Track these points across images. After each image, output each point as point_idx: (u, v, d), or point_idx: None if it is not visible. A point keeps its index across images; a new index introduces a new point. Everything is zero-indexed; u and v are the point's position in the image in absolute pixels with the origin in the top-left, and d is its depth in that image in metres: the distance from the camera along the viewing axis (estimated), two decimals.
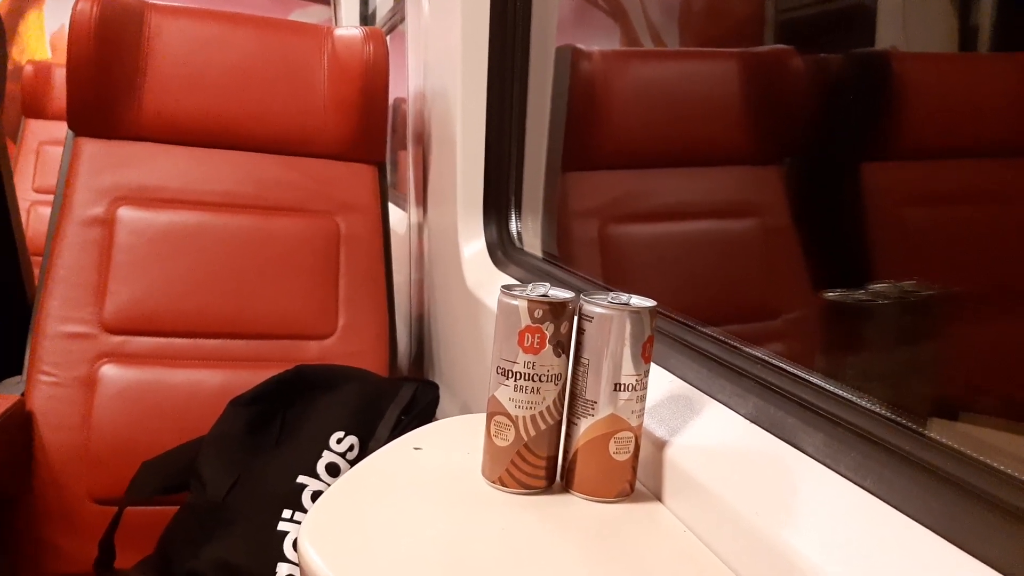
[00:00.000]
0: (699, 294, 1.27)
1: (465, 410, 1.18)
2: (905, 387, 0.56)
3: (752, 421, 0.57)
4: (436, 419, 1.12)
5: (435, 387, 1.09)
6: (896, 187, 1.12)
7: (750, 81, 1.36)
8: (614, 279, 1.24)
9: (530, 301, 0.58)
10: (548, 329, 0.58)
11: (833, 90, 1.31)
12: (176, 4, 1.28)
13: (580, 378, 0.59)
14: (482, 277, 1.14)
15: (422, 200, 1.46)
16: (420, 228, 1.47)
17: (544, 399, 0.59)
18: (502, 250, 1.18)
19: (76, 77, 1.17)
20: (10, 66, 2.71)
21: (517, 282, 1.06)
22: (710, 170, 1.33)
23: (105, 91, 1.19)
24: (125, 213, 1.18)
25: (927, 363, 0.61)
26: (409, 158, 1.49)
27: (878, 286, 0.65)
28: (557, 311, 0.58)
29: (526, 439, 0.59)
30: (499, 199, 1.21)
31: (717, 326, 1.23)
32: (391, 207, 1.87)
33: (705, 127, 1.33)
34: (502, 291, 0.59)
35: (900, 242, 1.02)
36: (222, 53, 1.25)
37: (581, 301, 0.60)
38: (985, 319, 0.71)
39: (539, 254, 1.19)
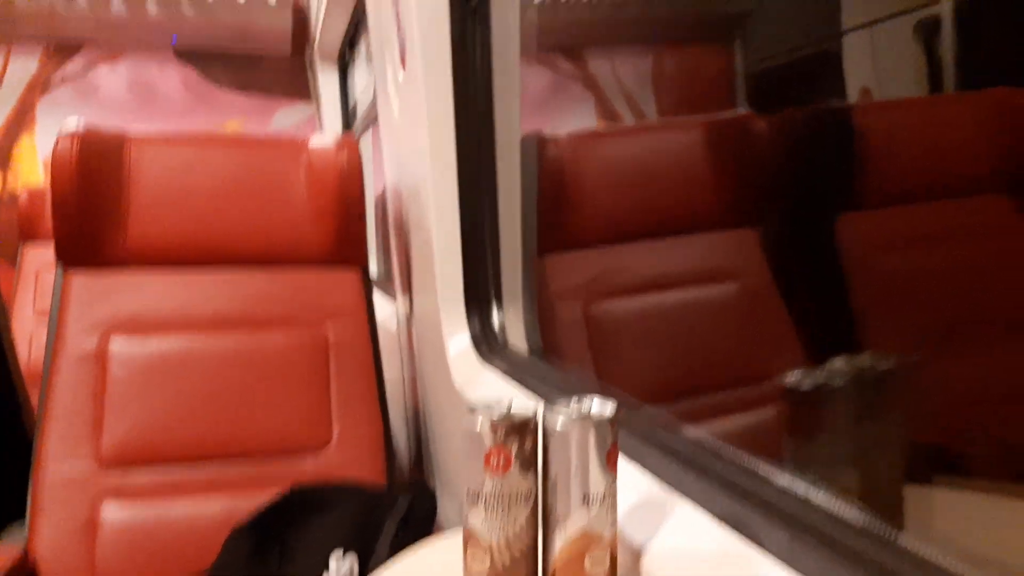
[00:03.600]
0: (684, 362, 1.28)
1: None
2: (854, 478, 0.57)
3: (721, 520, 0.57)
4: (437, 524, 1.12)
5: (432, 495, 1.10)
6: (867, 235, 1.14)
7: (712, 148, 1.39)
8: (595, 354, 1.25)
9: (492, 422, 0.59)
10: (513, 449, 0.59)
11: (794, 148, 1.34)
12: (155, 131, 1.33)
13: (550, 494, 0.60)
14: (468, 374, 1.15)
15: (408, 291, 1.49)
16: (409, 320, 1.49)
17: (516, 519, 0.59)
18: (487, 344, 1.19)
19: (61, 212, 1.21)
20: (6, 195, 2.80)
21: (502, 378, 1.07)
22: (685, 239, 1.35)
23: (90, 223, 1.23)
24: (117, 343, 1.21)
25: (889, 440, 0.61)
26: (393, 252, 1.52)
27: (835, 364, 0.66)
28: (520, 429, 0.59)
29: (501, 567, 0.59)
30: (479, 291, 1.23)
31: (701, 395, 1.23)
32: (384, 302, 1.90)
33: (676, 198, 1.36)
34: (465, 413, 0.61)
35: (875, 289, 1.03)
36: (202, 175, 1.29)
37: (543, 415, 0.61)
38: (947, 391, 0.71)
39: (523, 343, 1.21)
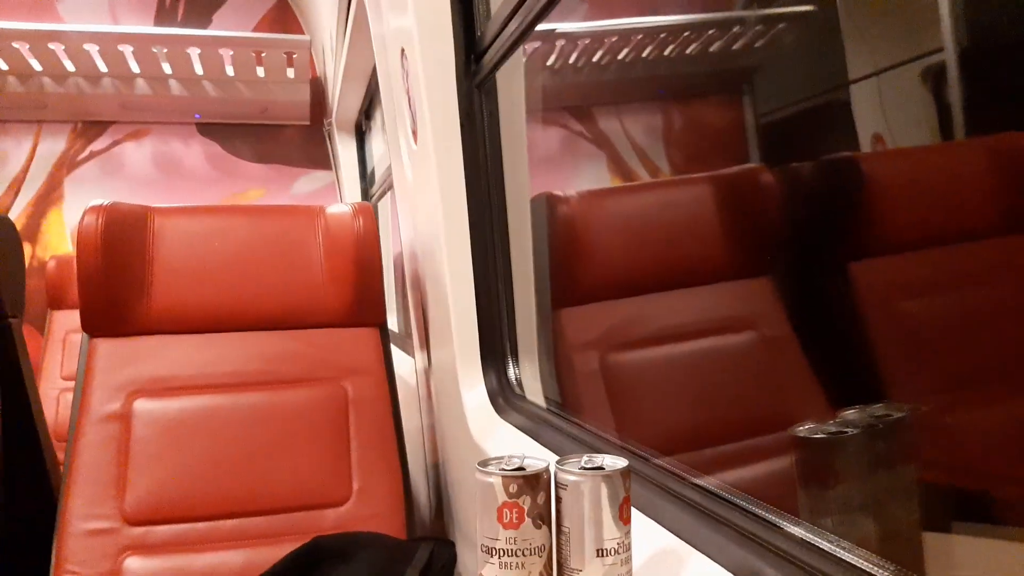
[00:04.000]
0: (702, 412, 1.28)
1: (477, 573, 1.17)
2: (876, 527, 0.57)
3: (734, 573, 0.57)
4: (456, 574, 1.12)
5: (451, 546, 1.09)
6: (879, 282, 1.15)
7: (723, 201, 1.42)
8: (612, 405, 1.26)
9: (504, 477, 0.60)
10: (525, 503, 0.60)
11: (804, 198, 1.36)
12: (176, 204, 1.38)
13: (563, 546, 0.60)
14: (485, 426, 1.16)
15: (426, 346, 1.51)
16: (427, 373, 1.51)
17: (530, 573, 0.60)
18: (503, 397, 1.20)
19: (87, 284, 1.25)
20: (35, 263, 2.88)
21: (517, 431, 1.08)
22: (698, 290, 1.37)
23: (115, 294, 1.27)
24: (140, 405, 1.24)
25: (903, 489, 0.61)
26: (411, 309, 1.55)
27: (848, 414, 0.67)
28: (532, 483, 0.60)
29: None
30: (495, 345, 1.25)
31: (719, 444, 1.23)
32: (403, 356, 1.92)
33: (687, 250, 1.38)
34: (477, 468, 0.62)
35: (891, 335, 1.03)
36: (222, 244, 1.34)
37: (555, 469, 0.62)
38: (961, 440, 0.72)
39: (540, 397, 1.22)
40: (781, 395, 1.25)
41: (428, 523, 1.49)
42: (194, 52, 2.74)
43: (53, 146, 3.00)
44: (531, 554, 0.60)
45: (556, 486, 0.61)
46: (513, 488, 0.59)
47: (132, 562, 1.15)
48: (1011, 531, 0.66)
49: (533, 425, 1.07)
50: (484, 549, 0.61)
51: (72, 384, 2.52)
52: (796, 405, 1.23)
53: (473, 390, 1.23)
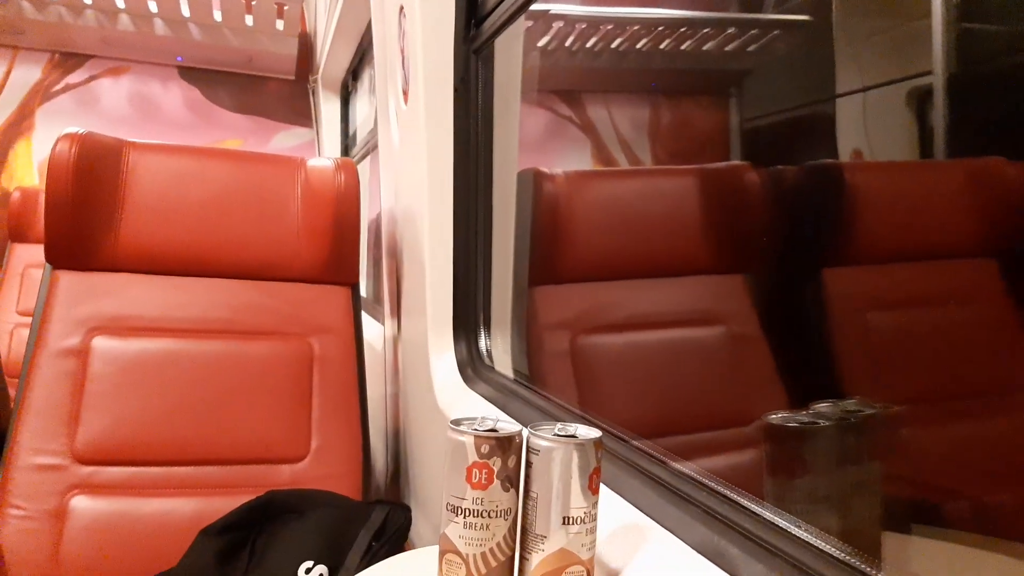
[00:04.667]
0: (666, 401, 1.29)
1: (439, 532, 1.17)
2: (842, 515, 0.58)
3: (697, 551, 0.57)
4: (410, 542, 1.11)
5: (407, 510, 1.09)
6: (852, 292, 1.16)
7: (706, 195, 1.42)
8: (579, 386, 1.26)
9: (476, 437, 0.59)
10: (495, 464, 0.59)
11: (786, 201, 1.37)
12: (154, 142, 1.34)
13: (530, 512, 0.60)
14: (453, 395, 1.15)
15: (397, 313, 1.50)
16: (395, 341, 1.49)
17: (494, 535, 0.60)
18: (472, 367, 1.20)
19: (55, 213, 1.21)
20: None
21: (485, 401, 1.08)
22: (674, 280, 1.37)
23: (83, 226, 1.23)
24: (100, 343, 1.20)
25: (868, 485, 0.62)
26: (384, 274, 1.53)
27: (821, 406, 0.67)
28: (504, 446, 0.60)
29: None
30: (468, 316, 1.24)
31: (681, 434, 1.24)
32: (372, 322, 1.90)
33: (667, 240, 1.38)
34: (449, 426, 0.61)
35: (858, 345, 1.05)
36: (198, 186, 1.30)
37: (527, 434, 0.61)
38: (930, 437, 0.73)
39: (509, 369, 1.21)
40: (743, 391, 1.27)
41: (383, 489, 1.48)
42: None
43: (27, 75, 2.90)
44: (497, 516, 0.60)
45: (528, 451, 0.61)
46: (485, 448, 0.59)
47: (79, 501, 1.12)
48: (964, 536, 0.68)
49: (501, 396, 1.06)
50: (449, 508, 0.60)
51: (27, 320, 2.47)
52: (757, 402, 1.24)
53: (442, 358, 1.22)
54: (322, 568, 0.96)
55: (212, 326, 1.26)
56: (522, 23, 1.22)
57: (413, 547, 1.12)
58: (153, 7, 2.75)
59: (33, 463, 1.13)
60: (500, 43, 1.21)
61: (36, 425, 1.14)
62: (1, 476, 1.12)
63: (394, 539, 1.04)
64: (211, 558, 0.99)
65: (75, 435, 1.15)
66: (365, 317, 1.40)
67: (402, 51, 1.32)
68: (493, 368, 1.20)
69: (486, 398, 1.08)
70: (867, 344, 1.07)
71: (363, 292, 2.63)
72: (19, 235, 2.59)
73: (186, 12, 2.79)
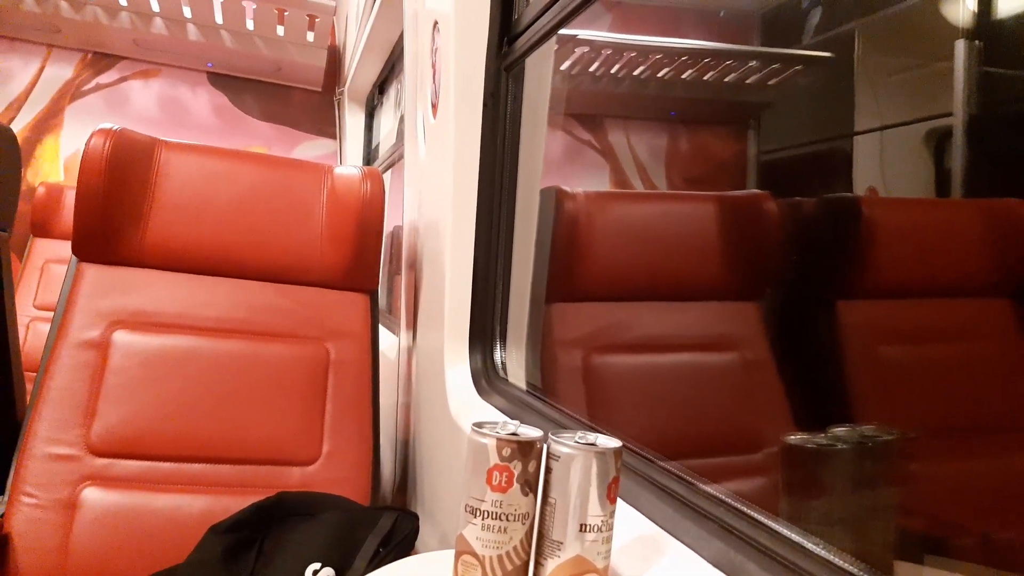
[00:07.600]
0: (675, 424, 1.29)
1: (445, 541, 1.17)
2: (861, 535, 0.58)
3: (714, 565, 0.58)
4: (416, 550, 1.11)
5: (415, 518, 1.09)
6: (866, 325, 1.16)
7: (725, 222, 1.43)
8: (591, 404, 1.26)
9: (498, 440, 0.60)
10: (516, 468, 0.60)
11: (804, 232, 1.37)
12: (186, 142, 1.36)
13: (547, 518, 0.60)
14: (465, 405, 1.16)
15: (413, 325, 1.51)
16: (410, 352, 1.50)
17: (511, 539, 0.60)
18: (486, 379, 1.20)
19: (84, 206, 1.23)
20: (24, 187, 2.83)
21: (498, 412, 1.08)
22: (688, 305, 1.38)
23: (111, 220, 1.25)
24: (120, 337, 1.22)
25: (884, 510, 0.62)
26: (402, 284, 1.55)
27: (838, 430, 0.68)
28: (525, 450, 0.60)
29: None
30: (484, 329, 1.25)
31: (689, 458, 1.24)
32: (386, 331, 1.91)
33: (684, 265, 1.39)
34: (472, 428, 0.62)
35: (869, 380, 1.05)
36: (226, 187, 1.32)
37: (549, 440, 0.62)
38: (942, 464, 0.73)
39: (523, 383, 1.22)
40: (752, 418, 1.27)
41: (390, 497, 1.48)
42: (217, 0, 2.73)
43: (60, 72, 2.95)
44: (515, 520, 0.60)
45: (548, 456, 0.61)
46: (506, 452, 0.60)
47: (91, 492, 1.13)
48: (980, 570, 0.68)
49: (515, 409, 1.07)
50: (468, 509, 0.61)
51: (44, 314, 2.49)
52: (764, 429, 1.24)
53: (456, 368, 1.23)
54: (329, 570, 0.96)
55: (231, 326, 1.27)
56: (552, 44, 1.24)
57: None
58: (187, 12, 2.80)
59: (48, 452, 1.14)
60: (531, 61, 1.23)
61: (53, 415, 1.16)
62: (16, 463, 1.13)
63: (401, 546, 1.04)
64: (218, 556, 0.99)
65: (91, 427, 1.16)
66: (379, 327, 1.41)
67: (434, 65, 1.35)
68: (507, 380, 1.21)
69: (499, 409, 1.09)
70: (878, 377, 1.07)
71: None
72: (41, 230, 2.62)
73: (219, 19, 2.84)
